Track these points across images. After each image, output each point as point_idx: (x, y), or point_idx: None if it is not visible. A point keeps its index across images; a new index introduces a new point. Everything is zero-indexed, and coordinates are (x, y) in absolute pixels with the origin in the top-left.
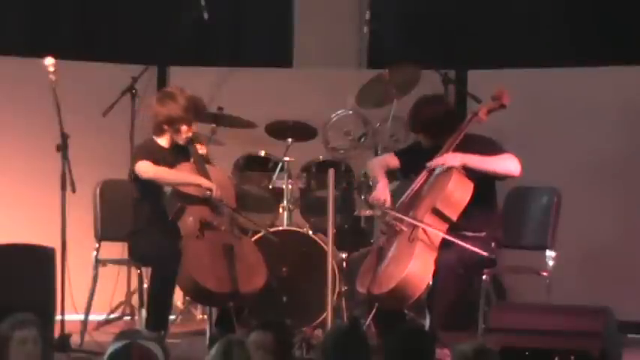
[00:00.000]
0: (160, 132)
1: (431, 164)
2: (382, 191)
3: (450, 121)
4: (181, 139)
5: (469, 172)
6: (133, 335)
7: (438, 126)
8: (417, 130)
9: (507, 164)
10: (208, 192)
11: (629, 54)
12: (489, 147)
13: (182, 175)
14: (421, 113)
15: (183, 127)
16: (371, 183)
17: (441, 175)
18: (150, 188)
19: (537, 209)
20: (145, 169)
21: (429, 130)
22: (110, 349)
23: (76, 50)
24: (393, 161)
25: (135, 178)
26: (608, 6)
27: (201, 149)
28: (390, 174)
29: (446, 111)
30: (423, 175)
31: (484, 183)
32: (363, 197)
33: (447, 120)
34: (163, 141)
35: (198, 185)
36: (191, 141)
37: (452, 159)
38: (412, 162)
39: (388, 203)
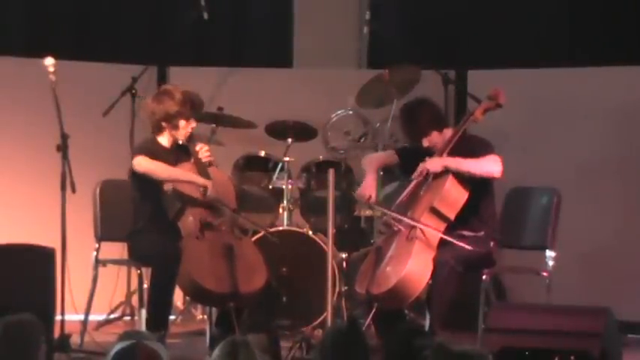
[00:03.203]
0: (159, 130)
1: (415, 174)
2: (368, 186)
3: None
4: (181, 136)
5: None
6: (136, 336)
7: (442, 119)
8: (427, 131)
9: (488, 166)
10: (203, 189)
11: (629, 54)
12: (478, 149)
13: (177, 172)
14: (422, 118)
15: (181, 123)
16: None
17: (438, 175)
18: (148, 186)
19: (537, 209)
20: (140, 162)
21: (438, 126)
22: (115, 349)
23: (76, 50)
24: (392, 158)
25: (132, 174)
26: (608, 6)
27: (206, 156)
28: (390, 174)
29: (436, 107)
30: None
31: (481, 182)
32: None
33: (441, 114)
34: (164, 140)
35: (193, 183)
36: (191, 139)
37: (432, 164)
38: (413, 161)
39: (373, 199)
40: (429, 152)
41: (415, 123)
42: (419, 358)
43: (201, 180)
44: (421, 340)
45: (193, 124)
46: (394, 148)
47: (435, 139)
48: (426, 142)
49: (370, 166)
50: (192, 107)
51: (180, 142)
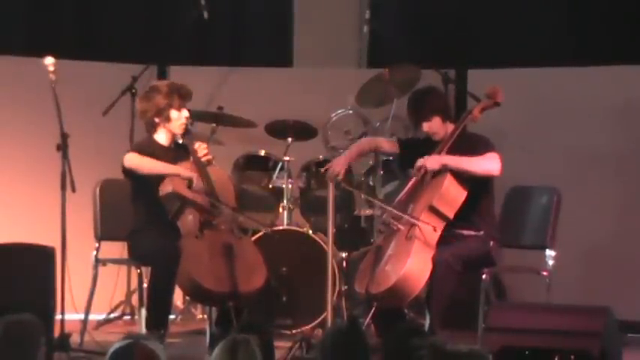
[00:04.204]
0: (153, 128)
1: (413, 170)
2: (338, 162)
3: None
4: (176, 129)
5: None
6: (136, 338)
7: (449, 110)
8: (431, 115)
9: (487, 164)
10: (188, 182)
11: (629, 53)
12: (478, 146)
13: (159, 165)
14: (428, 100)
15: (173, 113)
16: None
17: (437, 173)
18: (142, 184)
19: (537, 209)
20: (128, 158)
21: (442, 113)
22: (113, 348)
23: (76, 50)
24: (390, 146)
25: (123, 171)
26: (608, 5)
27: (206, 155)
28: (390, 173)
29: (445, 97)
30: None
31: (481, 182)
32: (363, 196)
33: (448, 106)
34: (162, 138)
35: (178, 175)
36: (190, 137)
37: (430, 162)
38: (412, 155)
39: (341, 177)
40: (429, 148)
41: (422, 103)
42: (415, 357)
43: (186, 173)
44: (418, 340)
45: (186, 113)
46: (397, 138)
47: (435, 125)
48: (426, 127)
49: (358, 146)
50: (180, 96)
51: (180, 141)
